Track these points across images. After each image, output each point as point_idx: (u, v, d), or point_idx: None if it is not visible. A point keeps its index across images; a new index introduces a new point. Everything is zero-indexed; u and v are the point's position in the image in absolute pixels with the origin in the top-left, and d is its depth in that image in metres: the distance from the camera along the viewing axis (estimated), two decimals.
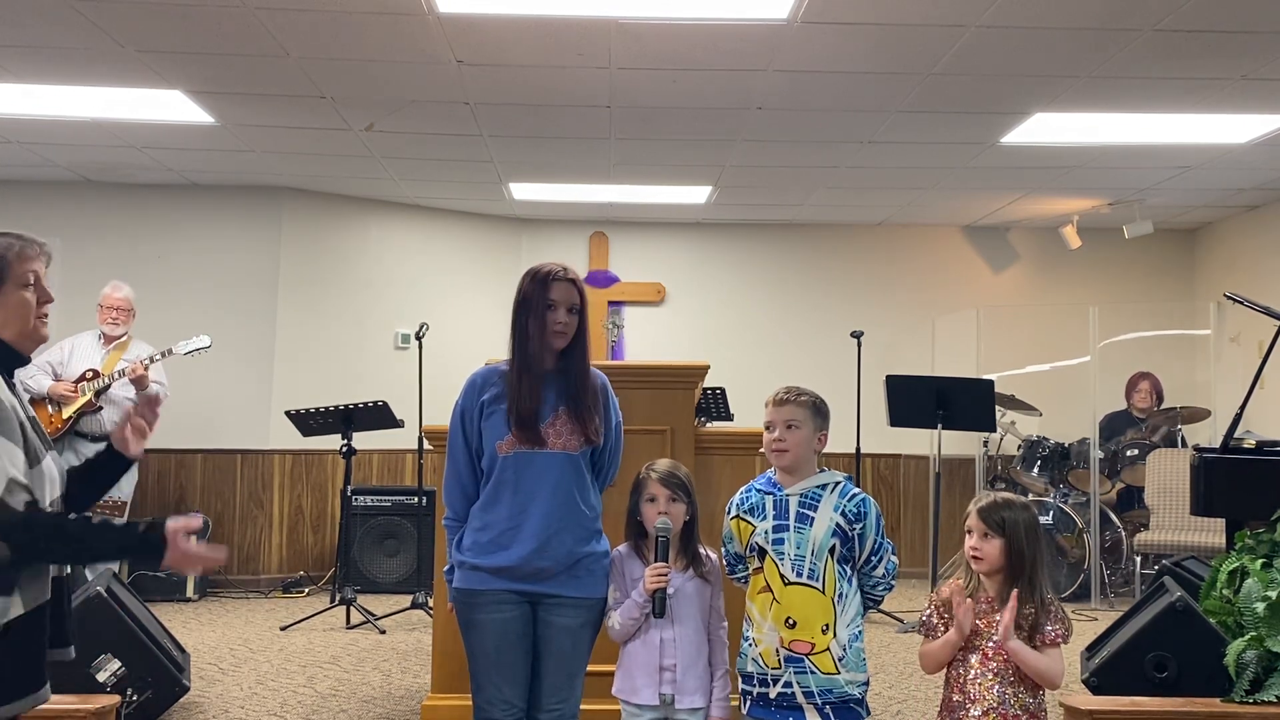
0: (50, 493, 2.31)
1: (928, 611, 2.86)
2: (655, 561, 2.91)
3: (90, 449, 6.13)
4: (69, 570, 2.41)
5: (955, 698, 2.75)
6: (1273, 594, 3.50)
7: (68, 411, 6.08)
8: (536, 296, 2.87)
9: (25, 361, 2.40)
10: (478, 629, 2.85)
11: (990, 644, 2.74)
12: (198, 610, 6.67)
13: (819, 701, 2.73)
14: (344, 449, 6.35)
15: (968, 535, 2.83)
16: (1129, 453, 7.37)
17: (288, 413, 6.44)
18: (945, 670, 2.82)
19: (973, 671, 2.74)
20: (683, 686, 2.92)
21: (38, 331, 2.39)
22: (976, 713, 2.71)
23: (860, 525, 2.81)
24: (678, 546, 3.01)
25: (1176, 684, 3.85)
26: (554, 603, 2.86)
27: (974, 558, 2.80)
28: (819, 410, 2.89)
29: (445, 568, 3.00)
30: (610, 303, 8.60)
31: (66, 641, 2.37)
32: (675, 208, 8.15)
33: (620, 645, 3.02)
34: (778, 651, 2.76)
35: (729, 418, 6.61)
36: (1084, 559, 6.98)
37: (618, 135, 6.15)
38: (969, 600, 2.76)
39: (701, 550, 3.04)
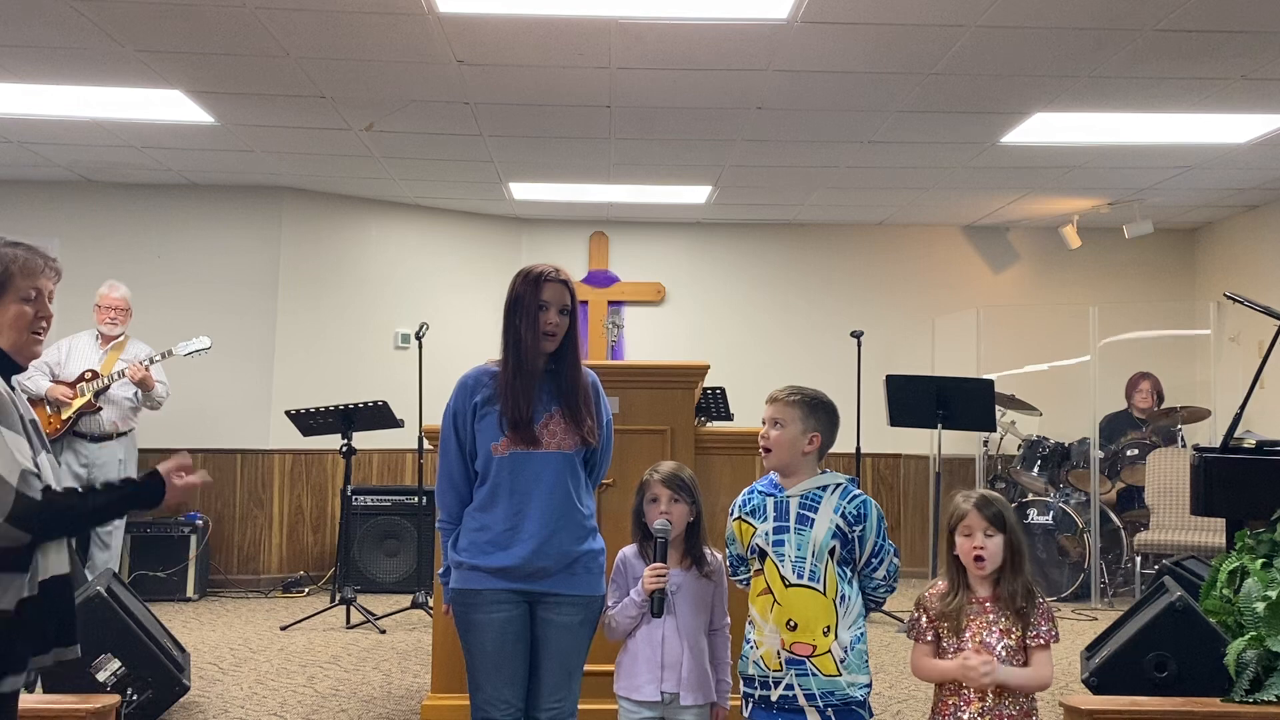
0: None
1: (915, 615, 2.83)
2: (654, 562, 2.93)
3: (89, 449, 6.13)
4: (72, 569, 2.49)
5: (949, 700, 2.74)
6: (1273, 594, 3.49)
7: (67, 413, 6.07)
8: (529, 297, 2.86)
9: (21, 369, 2.43)
10: (476, 629, 2.84)
11: (984, 645, 2.70)
12: (198, 610, 6.66)
13: (820, 704, 2.71)
14: (344, 449, 6.35)
15: (963, 538, 2.74)
16: (1129, 453, 7.36)
17: (288, 412, 6.44)
18: None
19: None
20: (684, 683, 2.96)
21: (29, 348, 2.41)
22: (969, 714, 2.69)
23: (861, 527, 2.78)
24: (680, 548, 3.03)
25: (1176, 684, 3.85)
26: (553, 601, 2.86)
27: (978, 559, 2.71)
28: (813, 410, 2.83)
29: (440, 570, 2.98)
30: (610, 303, 8.60)
31: (74, 639, 2.44)
32: (675, 208, 8.15)
33: (621, 643, 3.03)
34: (779, 653, 2.74)
35: (729, 418, 6.61)
36: (1084, 559, 6.98)
37: (618, 135, 6.15)
38: (984, 654, 2.66)
39: (706, 550, 3.06)
